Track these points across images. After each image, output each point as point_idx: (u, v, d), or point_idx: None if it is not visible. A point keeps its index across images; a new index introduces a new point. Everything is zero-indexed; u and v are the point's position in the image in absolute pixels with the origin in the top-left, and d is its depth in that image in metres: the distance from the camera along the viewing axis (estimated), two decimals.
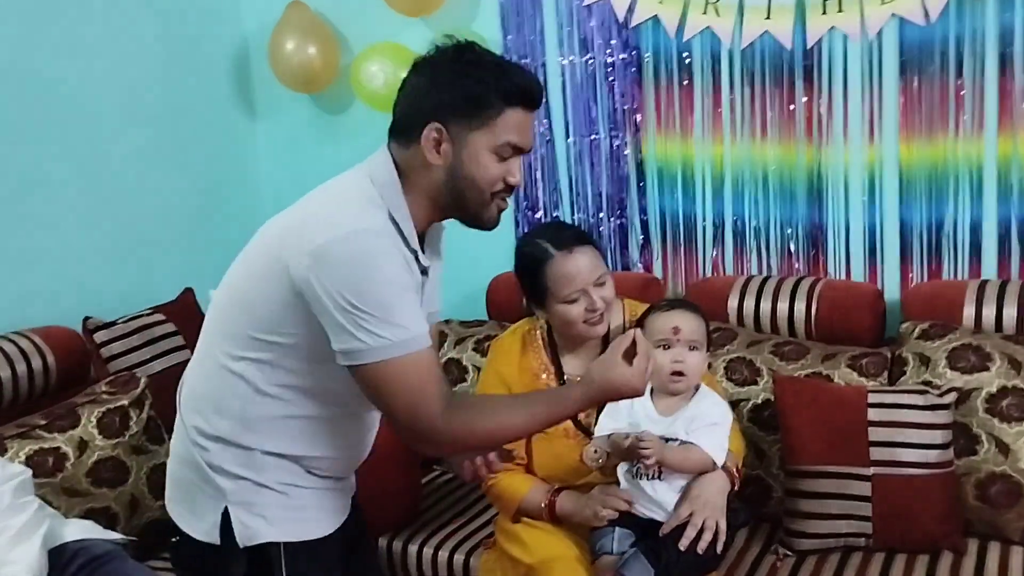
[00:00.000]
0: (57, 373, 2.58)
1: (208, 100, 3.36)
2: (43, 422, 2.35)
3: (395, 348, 1.44)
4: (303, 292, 1.46)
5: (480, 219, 1.59)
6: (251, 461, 1.58)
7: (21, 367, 2.49)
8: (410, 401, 1.46)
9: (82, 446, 2.34)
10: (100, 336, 2.68)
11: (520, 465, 2.10)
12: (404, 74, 2.91)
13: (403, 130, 1.56)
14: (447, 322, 2.95)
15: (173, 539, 1.69)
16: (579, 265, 1.93)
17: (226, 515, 1.59)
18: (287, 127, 3.48)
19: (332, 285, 1.42)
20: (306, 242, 1.44)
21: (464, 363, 2.78)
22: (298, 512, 1.62)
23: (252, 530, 1.59)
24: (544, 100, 2.94)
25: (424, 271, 1.59)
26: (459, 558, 2.36)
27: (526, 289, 2.01)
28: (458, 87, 1.50)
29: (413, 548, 2.42)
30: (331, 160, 3.42)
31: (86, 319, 2.71)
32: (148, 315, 2.81)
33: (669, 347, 1.94)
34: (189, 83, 3.27)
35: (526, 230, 3.00)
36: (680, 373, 1.93)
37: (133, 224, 3.06)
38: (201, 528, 1.62)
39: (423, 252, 1.59)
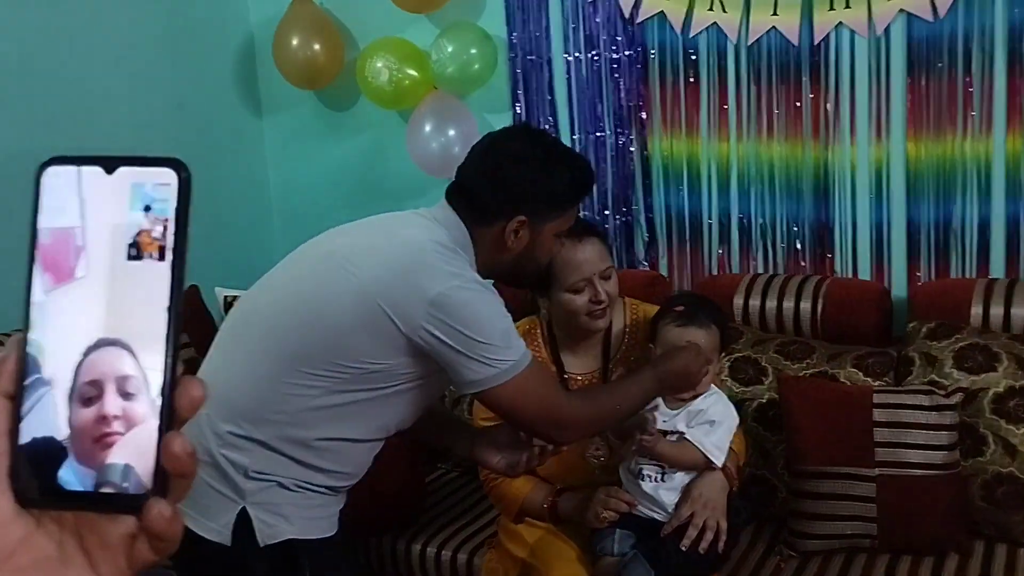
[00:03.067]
0: None
1: (213, 95, 3.36)
2: None
3: (518, 366, 1.61)
4: (413, 334, 1.57)
5: (530, 285, 1.93)
6: (274, 465, 1.62)
7: None
8: (545, 403, 1.66)
9: None
10: None
11: None
12: (409, 70, 3.04)
13: (483, 209, 1.70)
14: None
15: None
16: (587, 254, 1.92)
17: (242, 516, 1.60)
18: (292, 123, 3.48)
19: (457, 328, 1.56)
20: (419, 291, 1.56)
21: None
22: (313, 511, 1.67)
23: (274, 528, 1.61)
24: (551, 99, 2.98)
25: None
26: (462, 557, 2.35)
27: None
28: (546, 186, 1.69)
29: (416, 547, 2.42)
30: (337, 157, 3.46)
31: None
32: None
33: None
34: (194, 78, 3.26)
35: None
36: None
37: None
38: (212, 528, 1.61)
39: None
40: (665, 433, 1.92)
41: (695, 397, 1.95)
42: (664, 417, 1.93)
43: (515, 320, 2.21)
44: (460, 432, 1.97)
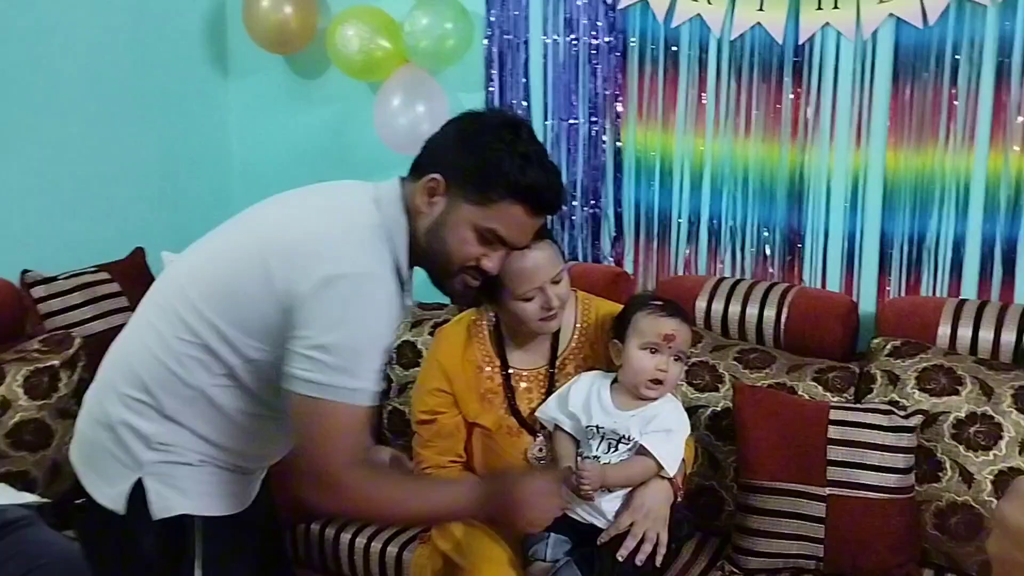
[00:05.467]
0: None
1: (179, 55, 3.23)
2: None
3: (342, 394, 1.40)
4: (292, 309, 1.41)
5: (441, 286, 1.60)
6: (179, 437, 1.52)
7: None
8: (330, 445, 1.43)
9: (4, 405, 2.22)
10: (38, 291, 2.56)
11: (458, 463, 1.99)
12: (381, 41, 2.92)
13: (415, 167, 1.55)
14: None
15: (78, 500, 1.60)
16: (538, 262, 1.82)
17: (138, 486, 1.52)
18: (260, 88, 3.36)
19: (323, 316, 1.39)
20: (315, 266, 1.41)
21: (419, 347, 2.67)
22: (213, 487, 1.56)
23: (169, 501, 1.52)
24: (525, 82, 2.87)
25: None
26: (392, 550, 2.26)
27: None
28: (476, 157, 1.48)
29: (346, 537, 2.32)
30: (302, 125, 3.33)
31: (24, 272, 2.59)
32: (92, 272, 2.69)
33: (656, 352, 1.83)
34: (160, 36, 3.14)
35: None
36: (660, 381, 1.83)
37: (88, 178, 2.94)
38: (108, 494, 1.54)
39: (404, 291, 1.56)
40: (618, 438, 1.82)
41: (648, 400, 1.85)
42: (613, 418, 1.83)
43: (460, 312, 2.13)
44: None
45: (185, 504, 1.53)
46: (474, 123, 1.54)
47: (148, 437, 1.52)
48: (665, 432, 1.81)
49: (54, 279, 2.61)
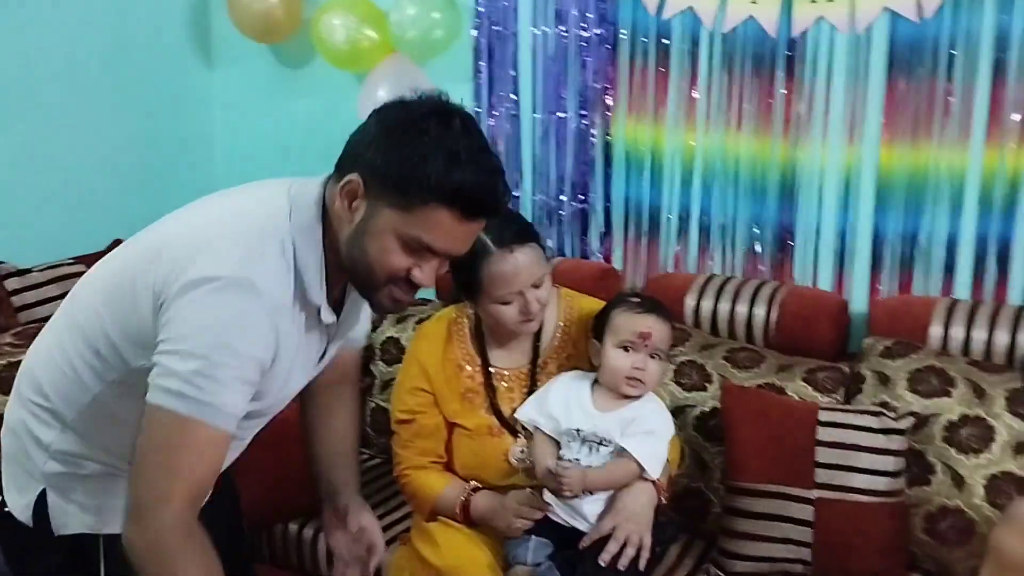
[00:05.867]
0: None
1: (162, 43, 3.18)
2: None
3: (192, 405, 1.25)
4: (159, 310, 1.28)
5: (369, 299, 1.41)
6: (79, 447, 1.42)
7: None
8: (164, 462, 1.26)
9: None
10: (12, 283, 2.50)
11: (439, 463, 1.94)
12: (367, 31, 2.87)
13: (338, 166, 1.37)
14: None
15: (5, 508, 1.51)
16: (518, 267, 1.76)
17: (42, 498, 1.43)
18: (244, 77, 3.30)
19: (182, 321, 1.26)
20: (189, 268, 1.27)
21: (403, 343, 2.62)
22: (120, 501, 1.40)
23: (69, 517, 1.42)
24: (514, 74, 2.82)
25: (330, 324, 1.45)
26: None
27: (457, 279, 1.85)
28: (397, 154, 1.28)
29: (323, 537, 2.26)
30: (287, 115, 3.28)
31: None
32: (69, 265, 2.63)
33: (632, 350, 1.78)
34: (143, 24, 3.08)
35: None
36: (638, 379, 1.78)
37: (65, 167, 2.88)
38: (18, 505, 1.46)
39: (330, 306, 1.42)
40: (598, 441, 1.77)
41: (629, 400, 1.81)
42: (593, 420, 1.79)
43: (442, 307, 2.07)
44: (339, 478, 1.70)
45: (86, 521, 1.42)
46: (399, 114, 1.32)
47: (48, 445, 1.42)
48: (646, 433, 1.77)
49: (29, 271, 2.55)
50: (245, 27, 3.06)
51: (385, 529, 2.24)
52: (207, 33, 3.30)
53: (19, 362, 2.22)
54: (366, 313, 1.65)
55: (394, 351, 2.62)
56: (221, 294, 1.25)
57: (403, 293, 1.38)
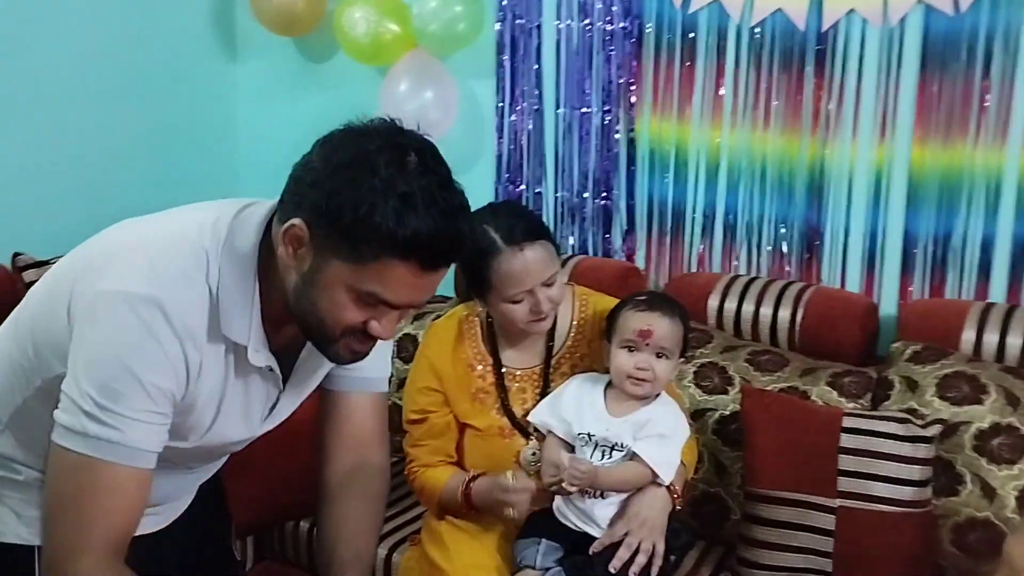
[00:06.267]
0: None
1: (186, 36, 3.16)
2: None
3: (103, 448, 1.14)
4: (70, 323, 1.20)
5: (324, 352, 1.27)
6: (13, 450, 1.34)
7: None
8: (77, 522, 1.15)
9: None
10: (30, 275, 2.49)
11: (449, 463, 1.90)
12: (389, 24, 2.84)
13: (281, 202, 1.21)
14: None
15: None
16: (528, 265, 1.71)
17: None
18: (268, 72, 3.28)
19: (79, 339, 1.17)
20: (93, 282, 1.19)
21: (420, 340, 2.58)
22: None
23: (3, 524, 1.34)
24: (537, 68, 2.77)
25: (266, 367, 1.30)
26: (381, 552, 2.17)
27: (466, 277, 1.81)
28: (345, 199, 1.12)
29: None
30: (311, 111, 3.25)
31: (16, 255, 2.53)
32: None
33: (635, 350, 1.73)
34: (166, 17, 3.07)
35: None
36: (642, 379, 1.72)
37: (87, 160, 2.87)
38: None
39: (272, 350, 1.29)
40: (611, 446, 1.72)
41: (643, 404, 1.75)
42: (605, 425, 1.73)
43: (454, 305, 2.03)
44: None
45: (19, 531, 1.32)
46: (346, 148, 1.16)
47: None
48: (659, 437, 1.71)
49: (47, 263, 2.54)
50: (268, 20, 3.04)
51: (396, 529, 2.24)
52: (230, 27, 3.29)
53: None
54: (385, 351, 1.52)
55: (411, 348, 2.58)
56: (123, 311, 1.15)
57: (361, 344, 1.24)
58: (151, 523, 1.39)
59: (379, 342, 1.26)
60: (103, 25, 2.88)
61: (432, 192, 1.13)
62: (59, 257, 2.53)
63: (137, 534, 1.24)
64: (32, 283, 2.44)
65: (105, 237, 1.31)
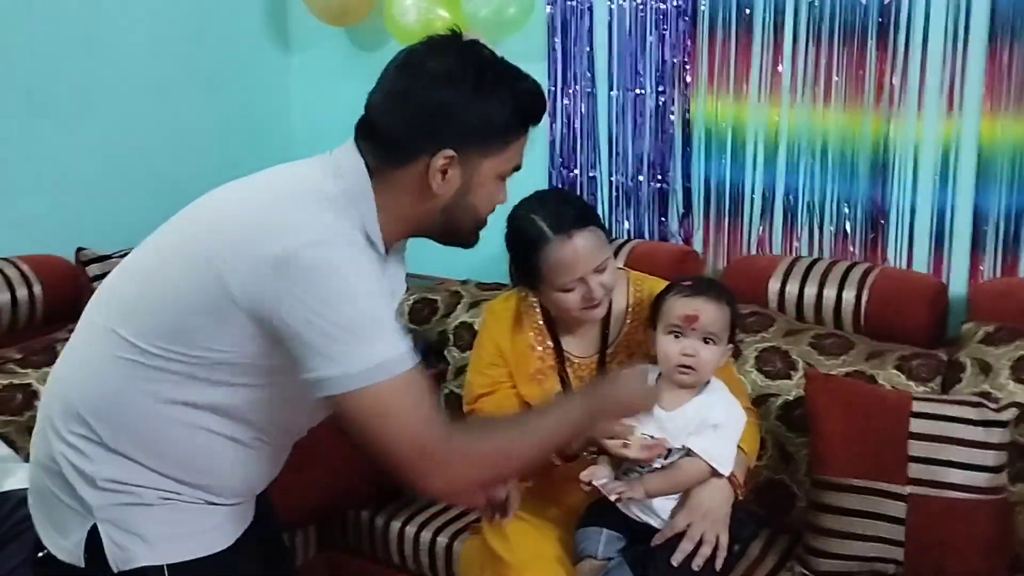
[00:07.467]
0: (45, 304, 2.45)
1: (240, 29, 3.19)
2: (18, 356, 2.22)
3: (379, 371, 1.22)
4: (255, 310, 1.23)
5: (465, 242, 1.44)
6: (129, 473, 1.32)
7: (4, 296, 2.36)
8: (407, 432, 1.24)
9: None
10: (93, 269, 2.53)
11: None
12: (440, 10, 2.82)
13: (395, 144, 1.32)
14: (464, 282, 2.76)
15: (39, 554, 1.42)
16: (578, 253, 1.69)
17: (94, 533, 1.33)
18: (321, 62, 3.29)
19: (299, 302, 1.20)
20: (258, 249, 1.21)
21: (476, 328, 2.57)
22: (182, 527, 1.35)
23: (127, 551, 1.32)
24: (589, 50, 2.73)
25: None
26: (442, 540, 2.18)
27: (517, 267, 1.78)
28: (479, 112, 1.31)
29: (396, 525, 2.26)
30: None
31: (79, 250, 2.58)
32: None
33: (681, 336, 1.69)
34: (221, 10, 3.10)
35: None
36: (689, 367, 1.69)
37: (145, 154, 2.91)
38: (63, 546, 1.36)
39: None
40: (668, 451, 1.68)
41: (695, 394, 1.71)
42: (659, 423, 1.68)
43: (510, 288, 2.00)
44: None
45: (148, 553, 1.32)
46: (449, 80, 1.30)
47: (92, 476, 1.31)
48: (713, 428, 1.67)
49: (109, 257, 2.58)
50: (320, 11, 3.04)
51: (456, 519, 2.23)
52: (283, 18, 3.31)
53: None
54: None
55: (467, 337, 2.57)
56: (316, 252, 1.21)
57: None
58: (239, 515, 1.42)
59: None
60: (160, 24, 2.92)
61: (514, 71, 1.35)
62: (123, 251, 2.61)
63: (200, 555, 1.34)
64: (97, 277, 2.52)
65: (223, 213, 1.32)
